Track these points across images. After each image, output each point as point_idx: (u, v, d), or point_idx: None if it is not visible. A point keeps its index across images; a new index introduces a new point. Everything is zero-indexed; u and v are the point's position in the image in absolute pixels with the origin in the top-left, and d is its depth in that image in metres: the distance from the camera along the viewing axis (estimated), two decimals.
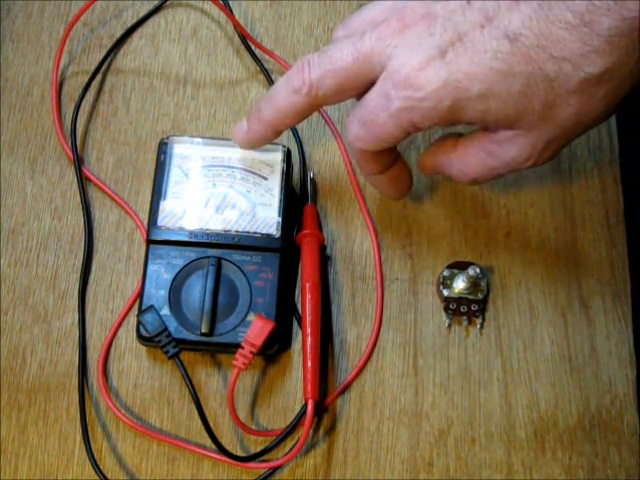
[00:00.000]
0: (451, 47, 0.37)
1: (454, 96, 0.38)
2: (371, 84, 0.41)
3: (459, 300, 0.49)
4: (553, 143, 0.40)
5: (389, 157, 0.45)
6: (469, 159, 0.43)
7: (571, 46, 0.35)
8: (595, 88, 0.37)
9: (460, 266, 0.49)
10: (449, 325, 0.49)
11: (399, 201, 0.52)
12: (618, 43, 0.35)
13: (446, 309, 0.49)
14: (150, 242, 0.47)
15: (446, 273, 0.49)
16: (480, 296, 0.49)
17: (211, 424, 0.45)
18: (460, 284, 0.49)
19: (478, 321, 0.49)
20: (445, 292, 0.49)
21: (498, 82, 0.37)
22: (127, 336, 0.49)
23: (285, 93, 0.43)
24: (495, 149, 0.41)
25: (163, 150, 0.49)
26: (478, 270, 0.47)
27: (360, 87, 0.41)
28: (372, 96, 0.40)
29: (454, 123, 0.40)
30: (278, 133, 0.46)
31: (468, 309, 0.49)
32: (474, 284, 0.49)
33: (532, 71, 0.36)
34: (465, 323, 0.49)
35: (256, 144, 0.47)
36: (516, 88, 0.37)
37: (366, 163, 0.45)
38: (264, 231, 0.48)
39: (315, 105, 0.43)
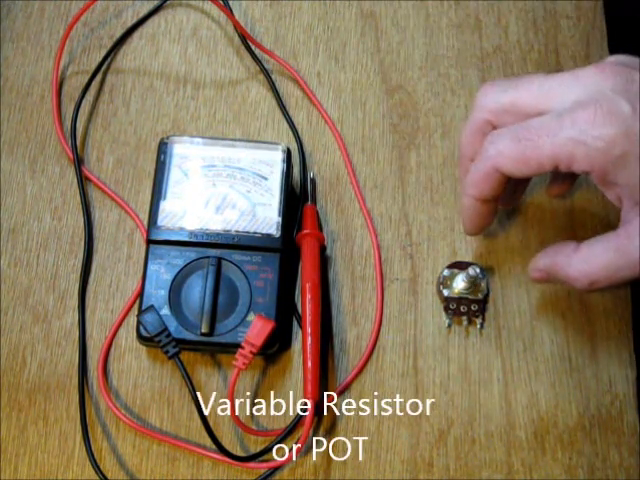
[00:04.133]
0: None
1: (626, 149, 0.37)
2: None
3: (459, 300, 0.49)
4: None
5: (503, 190, 0.43)
6: (593, 259, 0.41)
7: None
8: None
9: (460, 266, 0.49)
10: (449, 325, 0.49)
11: (399, 201, 0.52)
12: None
13: (446, 309, 0.49)
14: (150, 242, 0.47)
15: (446, 273, 0.49)
16: (480, 296, 0.49)
17: (211, 424, 0.45)
18: (460, 284, 0.49)
19: (478, 321, 0.49)
20: (445, 292, 0.49)
21: None
22: (127, 336, 0.49)
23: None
24: (627, 245, 0.39)
25: (163, 150, 0.49)
26: (478, 270, 0.47)
27: None
28: (540, 119, 0.39)
29: (607, 180, 0.39)
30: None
31: (468, 309, 0.49)
32: (474, 284, 0.49)
33: None
34: (465, 323, 0.49)
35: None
36: None
37: (484, 184, 0.42)
38: (264, 231, 0.48)
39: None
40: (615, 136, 0.37)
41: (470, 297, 0.49)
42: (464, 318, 0.49)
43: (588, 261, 0.41)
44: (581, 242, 0.42)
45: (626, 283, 0.41)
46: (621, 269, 0.40)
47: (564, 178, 0.49)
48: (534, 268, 0.45)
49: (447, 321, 0.49)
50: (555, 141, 0.38)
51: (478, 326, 0.49)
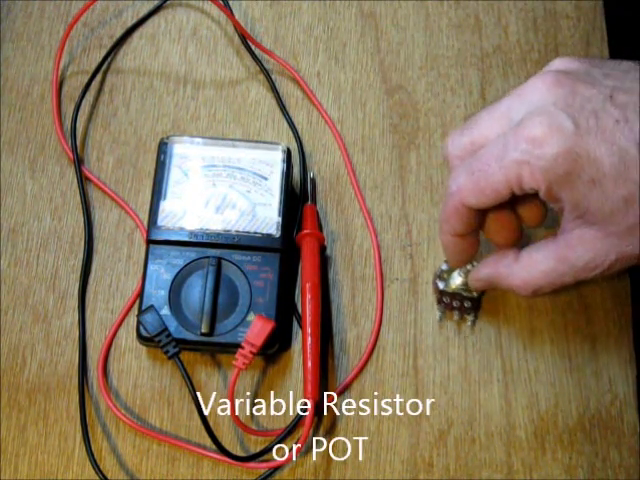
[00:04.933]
0: (585, 121, 0.36)
1: (568, 168, 0.37)
2: None
3: (453, 295, 0.49)
4: (624, 259, 0.39)
5: (477, 222, 0.43)
6: (535, 267, 0.41)
7: None
8: None
9: None
10: (440, 318, 0.49)
11: (399, 201, 0.52)
12: None
13: (439, 301, 0.49)
14: (150, 242, 0.47)
15: (444, 267, 0.49)
16: (475, 294, 0.49)
17: (211, 424, 0.45)
18: (457, 279, 0.48)
19: (469, 318, 0.49)
20: (440, 285, 0.49)
21: (610, 178, 0.36)
22: (127, 336, 0.49)
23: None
24: (567, 253, 0.40)
25: (163, 150, 0.49)
26: None
27: None
28: (488, 147, 0.39)
29: (553, 198, 0.39)
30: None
31: (461, 305, 0.49)
32: None
33: None
34: (456, 318, 0.49)
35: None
36: (621, 192, 0.36)
37: (455, 220, 0.42)
38: (264, 231, 0.48)
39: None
40: (557, 155, 0.36)
41: (464, 294, 0.49)
42: (455, 313, 0.49)
43: (529, 270, 0.42)
44: (519, 250, 0.43)
45: (568, 287, 0.42)
46: (563, 276, 0.41)
47: None
48: (475, 278, 0.46)
49: (438, 313, 0.49)
50: (503, 165, 0.38)
51: (469, 323, 0.49)
